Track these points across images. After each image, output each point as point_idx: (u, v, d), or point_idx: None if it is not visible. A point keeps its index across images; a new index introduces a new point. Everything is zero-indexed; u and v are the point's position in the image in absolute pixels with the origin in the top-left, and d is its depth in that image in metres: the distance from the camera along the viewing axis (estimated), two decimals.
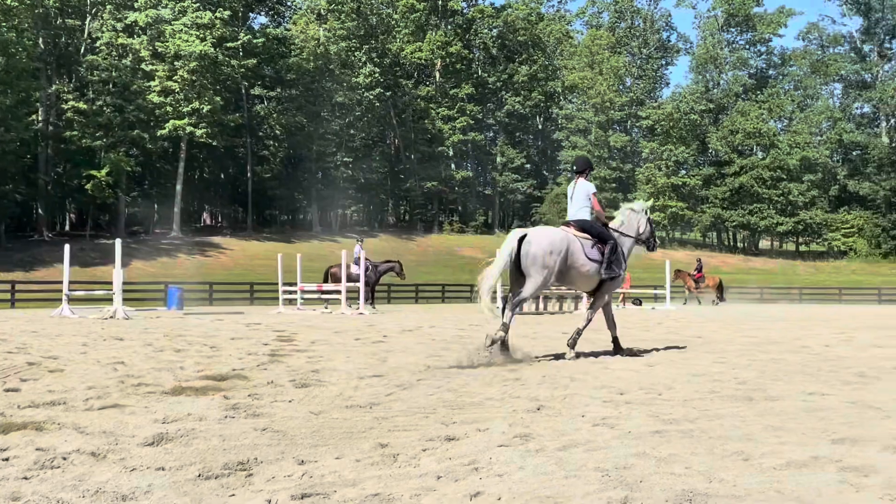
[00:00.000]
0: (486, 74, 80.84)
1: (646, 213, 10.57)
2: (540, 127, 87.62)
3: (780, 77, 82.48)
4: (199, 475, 3.69)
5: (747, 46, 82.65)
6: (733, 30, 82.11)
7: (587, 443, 4.35)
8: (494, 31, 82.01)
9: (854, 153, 78.29)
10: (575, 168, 10.06)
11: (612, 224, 10.06)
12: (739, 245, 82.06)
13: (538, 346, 10.82)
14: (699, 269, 37.16)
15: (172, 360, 8.67)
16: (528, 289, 9.00)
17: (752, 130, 73.64)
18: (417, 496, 3.40)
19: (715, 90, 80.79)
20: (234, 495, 3.43)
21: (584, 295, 26.13)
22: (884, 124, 76.57)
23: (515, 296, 9.02)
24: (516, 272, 9.02)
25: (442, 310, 27.66)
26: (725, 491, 3.43)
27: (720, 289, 37.71)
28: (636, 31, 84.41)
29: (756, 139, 74.73)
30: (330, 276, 26.97)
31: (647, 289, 36.94)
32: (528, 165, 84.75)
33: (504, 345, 8.81)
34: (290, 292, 26.46)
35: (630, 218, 10.30)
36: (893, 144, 74.02)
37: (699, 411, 5.40)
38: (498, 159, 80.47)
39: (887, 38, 78.36)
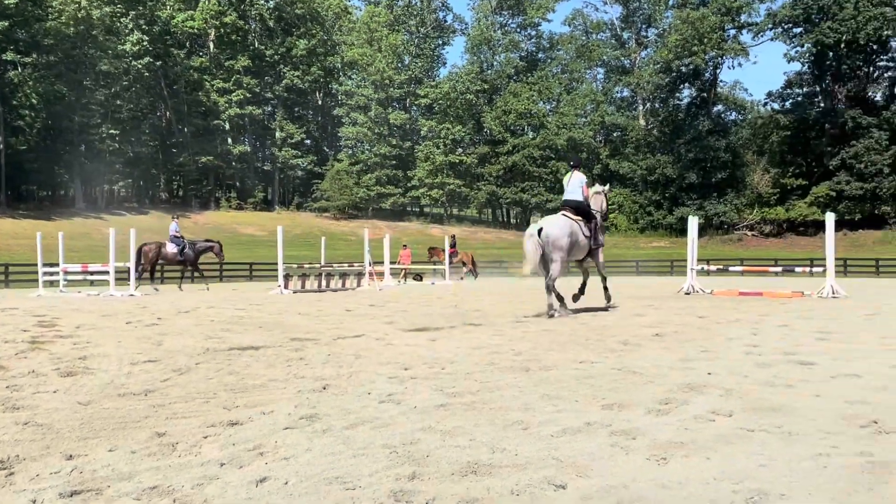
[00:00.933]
0: (263, 47, 78.82)
1: (604, 193, 14.10)
2: (320, 102, 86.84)
3: (549, 60, 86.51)
4: None
5: (518, 30, 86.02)
6: (505, 13, 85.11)
7: (374, 420, 4.37)
8: (271, 2, 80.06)
9: (615, 134, 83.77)
10: (572, 164, 13.80)
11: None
12: (513, 221, 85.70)
13: (322, 327, 10.74)
14: (452, 245, 38.00)
15: None
16: (556, 270, 12.30)
17: (524, 111, 76.90)
18: (200, 486, 3.26)
19: (489, 71, 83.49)
20: None
21: (367, 273, 26.41)
22: (640, 108, 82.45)
23: (550, 278, 12.31)
24: (542, 256, 12.27)
25: (220, 289, 26.79)
26: (508, 460, 3.56)
27: (473, 264, 38.81)
28: (413, 9, 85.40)
29: (527, 119, 78.15)
30: (142, 254, 25.12)
31: (427, 265, 37.76)
32: (308, 141, 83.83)
33: (562, 301, 12.46)
34: (52, 274, 24.61)
35: (595, 199, 13.74)
36: (649, 126, 80.00)
37: (480, 383, 5.58)
38: (277, 134, 78.98)
39: (644, 26, 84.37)
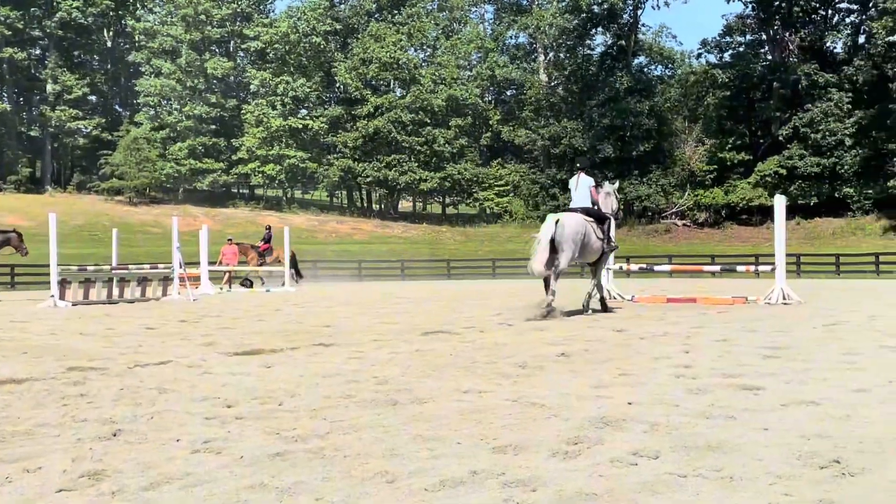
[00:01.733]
0: None
1: (615, 193, 17.69)
2: (109, 44, 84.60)
3: None
4: None
5: None
6: None
7: (185, 476, 4.27)
8: None
9: (509, 93, 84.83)
10: (579, 166, 18.06)
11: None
12: (376, 207, 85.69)
13: (113, 351, 10.46)
14: (267, 240, 37.42)
15: None
16: (564, 261, 15.45)
17: (389, 61, 76.92)
18: None
19: (342, 6, 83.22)
20: None
21: (177, 278, 25.87)
22: (541, 58, 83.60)
23: (556, 268, 15.39)
24: (550, 248, 15.29)
25: None
26: None
27: (294, 264, 38.02)
28: None
29: (394, 72, 78.23)
30: None
31: (262, 266, 37.31)
32: (93, 97, 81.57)
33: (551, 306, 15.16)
34: None
35: (606, 201, 17.19)
36: (552, 83, 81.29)
37: (331, 423, 5.53)
38: (49, 87, 76.50)
39: None
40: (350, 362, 8.80)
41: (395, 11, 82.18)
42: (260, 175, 77.36)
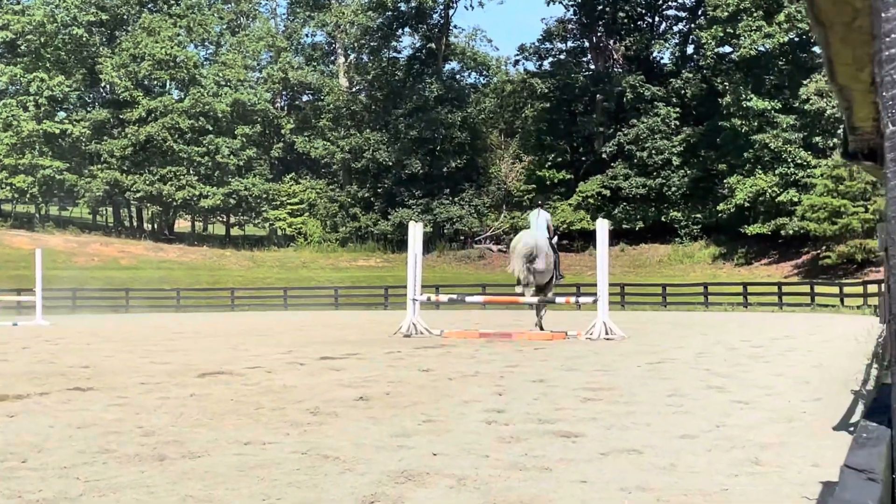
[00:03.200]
0: None
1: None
2: None
3: None
4: None
5: None
6: None
7: None
8: None
9: (304, 98, 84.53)
10: (539, 202, 24.46)
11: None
12: (148, 226, 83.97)
13: None
14: None
15: None
16: (541, 263, 20.39)
17: (165, 58, 75.60)
18: None
19: None
20: None
21: None
22: (341, 60, 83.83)
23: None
24: (528, 257, 20.48)
25: None
26: None
27: None
28: None
29: (170, 71, 76.95)
30: None
31: (6, 295, 36.01)
32: None
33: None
34: None
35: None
36: (354, 89, 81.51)
37: (85, 483, 5.35)
38: None
39: None
40: (111, 410, 8.57)
41: (172, 2, 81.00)
42: (8, 188, 74.65)
